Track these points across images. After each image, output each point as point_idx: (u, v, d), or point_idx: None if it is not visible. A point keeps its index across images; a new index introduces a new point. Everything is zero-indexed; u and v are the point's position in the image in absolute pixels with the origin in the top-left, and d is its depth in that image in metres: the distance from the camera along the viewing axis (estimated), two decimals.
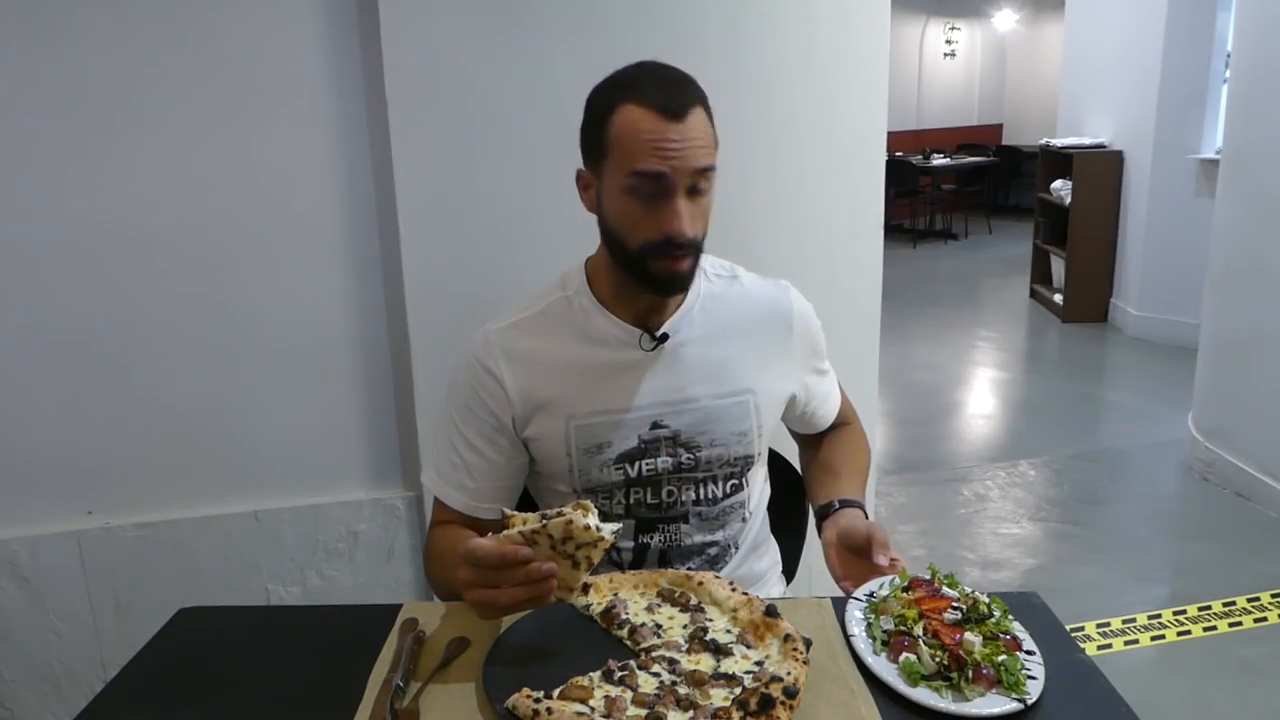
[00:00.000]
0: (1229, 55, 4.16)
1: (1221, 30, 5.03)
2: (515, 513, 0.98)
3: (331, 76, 1.88)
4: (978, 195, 10.19)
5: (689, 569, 1.24)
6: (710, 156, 1.14)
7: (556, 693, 0.89)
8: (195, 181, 1.86)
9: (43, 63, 1.75)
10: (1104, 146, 5.96)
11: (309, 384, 1.99)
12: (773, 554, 1.44)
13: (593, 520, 0.94)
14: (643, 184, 1.12)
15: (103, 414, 1.91)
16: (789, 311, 1.33)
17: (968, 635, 0.96)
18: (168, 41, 1.79)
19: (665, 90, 1.12)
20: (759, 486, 1.38)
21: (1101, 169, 5.82)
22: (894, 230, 9.21)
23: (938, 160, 9.44)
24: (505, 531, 0.95)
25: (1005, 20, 10.69)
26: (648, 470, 1.25)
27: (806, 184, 2.10)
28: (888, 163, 2.38)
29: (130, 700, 0.99)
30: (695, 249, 1.16)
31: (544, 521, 0.93)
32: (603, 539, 0.94)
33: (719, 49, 1.96)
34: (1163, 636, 2.60)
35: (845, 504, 1.26)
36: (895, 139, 8.71)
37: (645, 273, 1.16)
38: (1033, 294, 6.79)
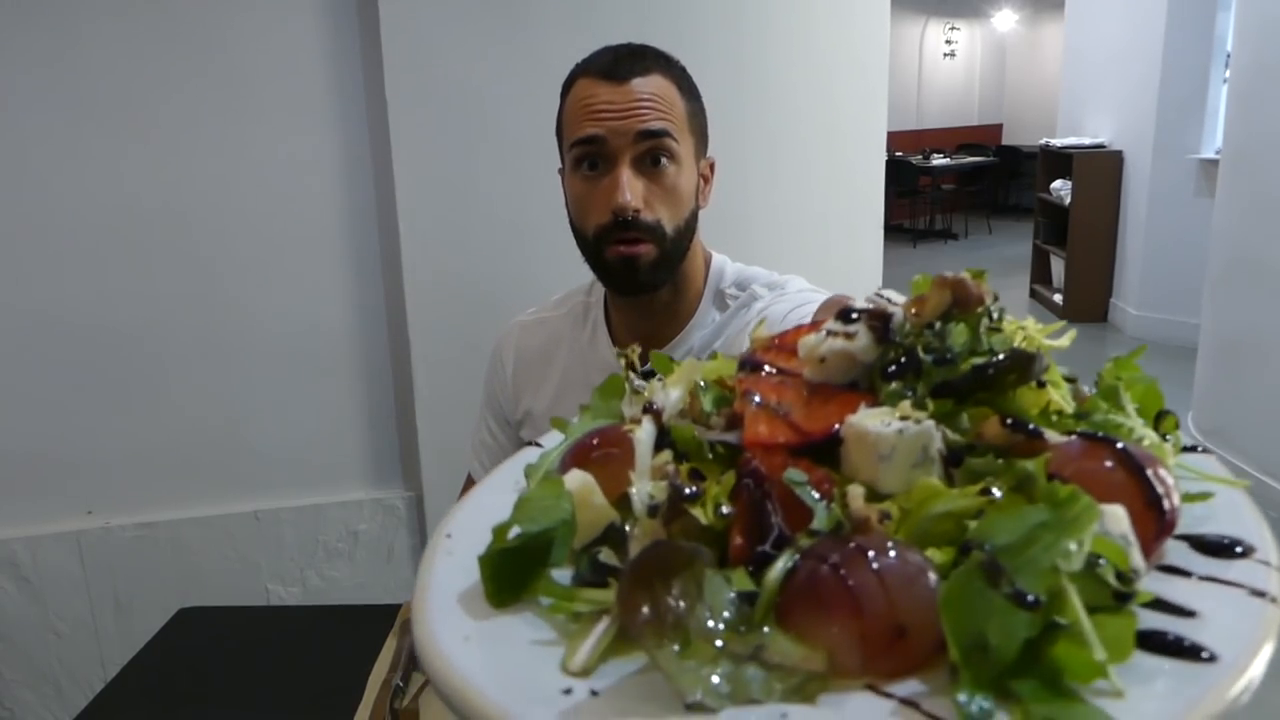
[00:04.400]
0: (1229, 55, 4.16)
1: (1221, 30, 5.03)
2: None
3: (331, 76, 1.88)
4: (977, 195, 10.19)
5: None
6: (660, 120, 1.01)
7: None
8: (195, 182, 1.86)
9: (43, 62, 1.75)
10: (1104, 146, 5.96)
11: (309, 384, 1.99)
12: None
13: None
14: (585, 154, 1.03)
15: (103, 414, 1.91)
16: (749, 325, 1.05)
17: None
18: (168, 41, 1.79)
19: (612, 56, 1.05)
20: None
21: (1101, 169, 5.82)
22: (894, 230, 9.22)
23: (938, 160, 9.44)
24: None
25: (1005, 20, 10.69)
26: None
27: (807, 184, 2.10)
28: (888, 163, 2.38)
29: (130, 700, 1.00)
30: (653, 234, 1.02)
31: None
32: None
33: (719, 50, 1.96)
34: None
35: None
36: (895, 139, 8.71)
37: (603, 264, 1.04)
38: (1033, 294, 6.79)
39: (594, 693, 0.37)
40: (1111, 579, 0.34)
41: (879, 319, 0.44)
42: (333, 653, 1.05)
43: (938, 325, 0.45)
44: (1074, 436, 0.42)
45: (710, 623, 0.36)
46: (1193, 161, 5.22)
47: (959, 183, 9.85)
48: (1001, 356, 0.43)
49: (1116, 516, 0.36)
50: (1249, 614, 0.36)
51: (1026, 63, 10.85)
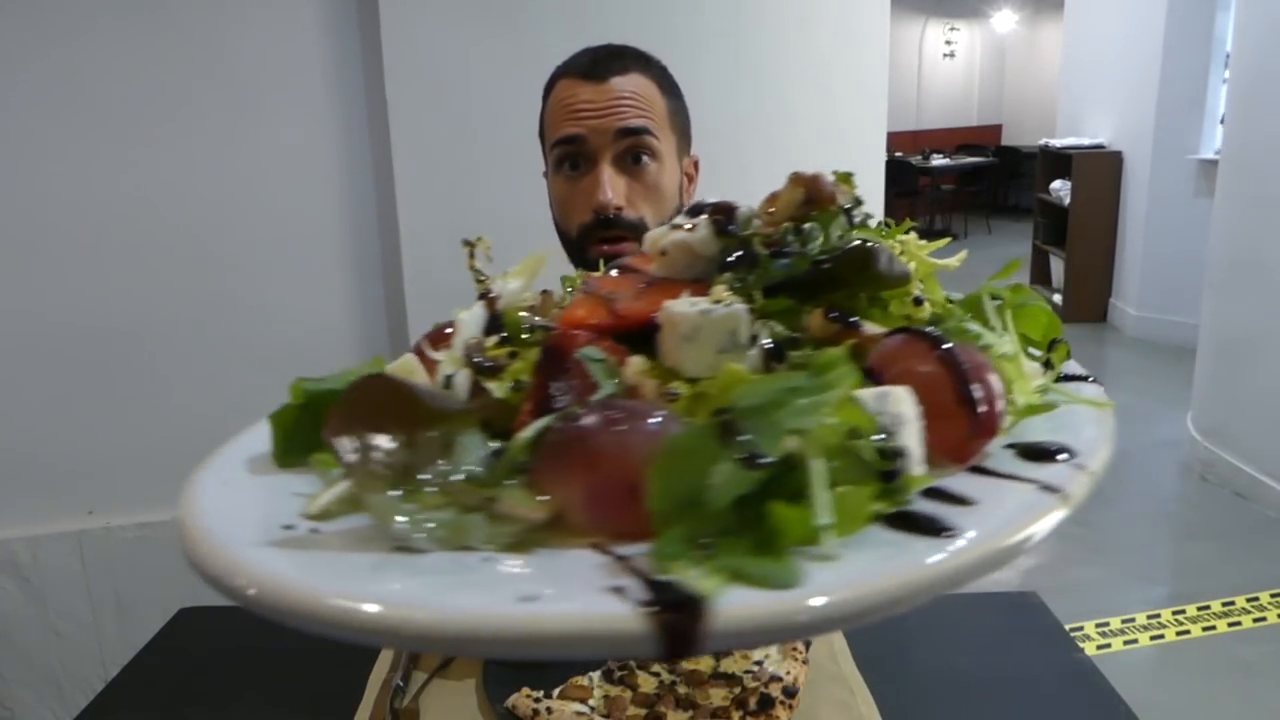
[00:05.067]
0: (1228, 56, 4.16)
1: (1221, 30, 5.03)
2: None
3: (331, 76, 1.88)
4: (977, 195, 10.20)
5: None
6: (640, 118, 1.01)
7: (556, 692, 0.89)
8: (195, 182, 1.86)
9: (41, 61, 1.75)
10: (1103, 147, 5.96)
11: None
12: None
13: None
14: (565, 154, 1.03)
15: (103, 414, 1.91)
16: None
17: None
18: (167, 41, 1.79)
19: (590, 56, 1.05)
20: None
21: (1101, 169, 5.82)
22: None
23: (937, 160, 9.45)
24: None
25: (1005, 21, 10.69)
26: None
27: None
28: (887, 163, 2.38)
29: (130, 700, 1.00)
30: (636, 232, 0.99)
31: None
32: None
33: (718, 51, 1.96)
34: (1162, 636, 2.60)
35: None
36: (895, 139, 8.71)
37: (587, 264, 1.01)
38: None
39: (314, 530, 0.37)
40: (869, 455, 0.33)
41: (723, 212, 0.44)
42: (333, 653, 1.05)
43: (792, 228, 0.43)
44: (899, 333, 0.41)
45: (450, 473, 0.35)
46: (1192, 162, 5.22)
47: (958, 183, 9.85)
48: (828, 254, 0.42)
49: (898, 397, 0.35)
50: (1023, 505, 0.34)
51: (1026, 63, 10.85)
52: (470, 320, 0.47)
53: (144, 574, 1.97)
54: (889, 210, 3.45)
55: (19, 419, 1.88)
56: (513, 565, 0.33)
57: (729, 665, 0.93)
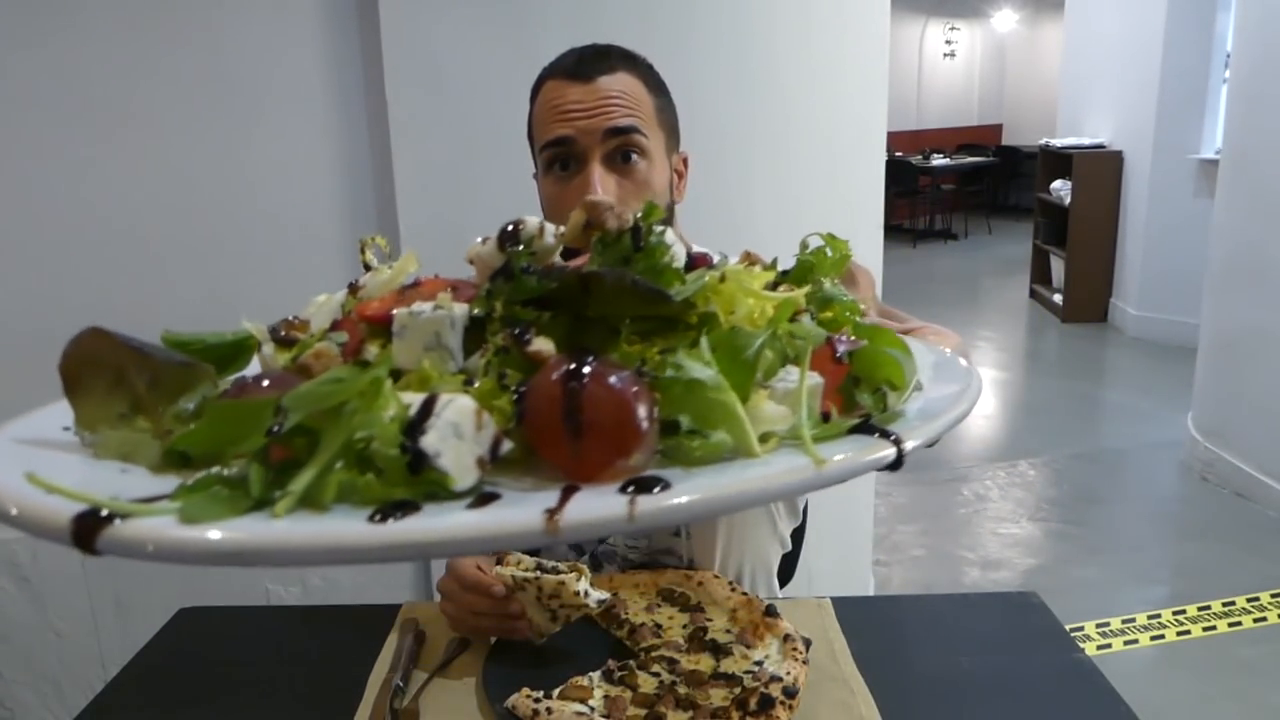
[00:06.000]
0: (1229, 55, 4.16)
1: (1221, 30, 5.03)
2: (512, 551, 0.98)
3: (331, 76, 1.88)
4: (977, 195, 10.19)
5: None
6: (628, 117, 1.02)
7: (556, 693, 0.89)
8: (194, 181, 1.86)
9: (42, 63, 1.75)
10: (1103, 147, 5.95)
11: None
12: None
13: (583, 586, 0.95)
14: (555, 156, 1.04)
15: None
16: None
17: None
18: (167, 42, 1.79)
19: (576, 57, 1.06)
20: None
21: (1101, 169, 5.82)
22: (894, 230, 9.22)
23: (937, 160, 9.45)
24: (497, 568, 0.96)
25: (1005, 20, 10.69)
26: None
27: (806, 184, 2.10)
28: (887, 163, 2.38)
29: (130, 700, 1.00)
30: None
31: (539, 574, 0.94)
32: (588, 606, 0.95)
33: (719, 51, 1.96)
34: (1162, 636, 2.60)
35: None
36: (895, 139, 8.71)
37: None
38: (1032, 294, 6.79)
39: (66, 428, 0.50)
40: (383, 444, 0.37)
41: (513, 226, 0.49)
42: (333, 653, 1.05)
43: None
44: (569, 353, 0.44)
45: (169, 409, 0.46)
46: (1193, 161, 5.22)
47: (959, 183, 9.85)
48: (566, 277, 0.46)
49: (455, 406, 0.39)
50: (505, 517, 0.38)
51: (1026, 63, 10.85)
52: (326, 303, 0.56)
53: (144, 574, 1.96)
54: (889, 210, 3.45)
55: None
56: (112, 475, 0.44)
57: (729, 665, 0.93)
